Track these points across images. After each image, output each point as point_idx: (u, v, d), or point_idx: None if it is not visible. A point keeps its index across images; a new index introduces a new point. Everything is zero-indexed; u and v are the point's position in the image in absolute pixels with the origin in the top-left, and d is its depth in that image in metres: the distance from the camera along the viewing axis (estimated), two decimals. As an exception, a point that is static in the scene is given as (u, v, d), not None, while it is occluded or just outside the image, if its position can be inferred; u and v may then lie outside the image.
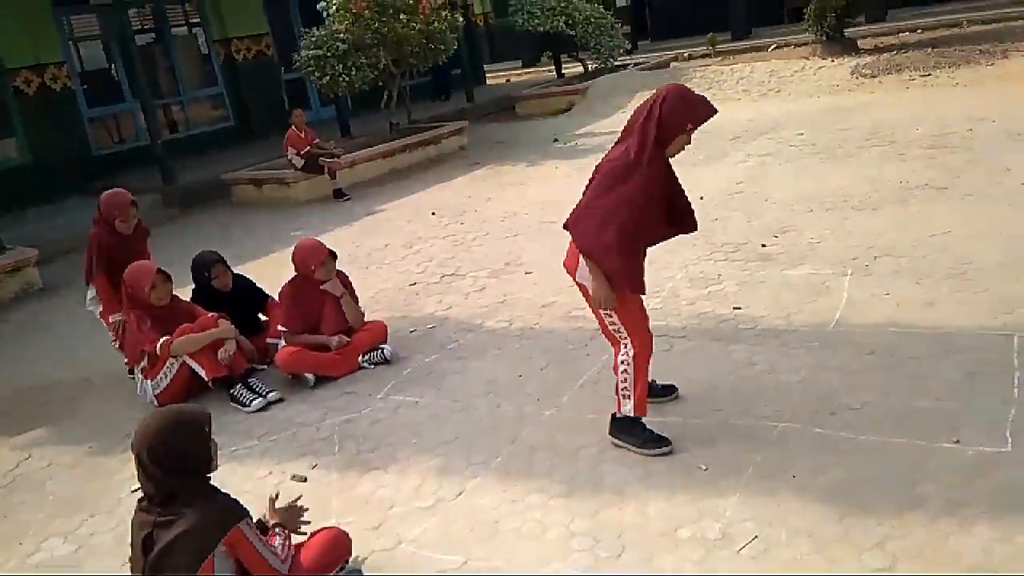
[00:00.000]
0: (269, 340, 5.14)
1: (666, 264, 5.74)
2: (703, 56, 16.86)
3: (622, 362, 3.48)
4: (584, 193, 3.43)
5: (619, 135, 3.41)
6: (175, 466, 2.53)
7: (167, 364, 4.67)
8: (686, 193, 3.55)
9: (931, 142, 7.80)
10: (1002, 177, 6.37)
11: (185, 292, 5.21)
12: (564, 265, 3.61)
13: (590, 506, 3.21)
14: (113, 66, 13.48)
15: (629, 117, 3.37)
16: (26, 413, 5.06)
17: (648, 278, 5.45)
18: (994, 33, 13.34)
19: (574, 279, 3.55)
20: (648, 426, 3.52)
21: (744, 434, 3.50)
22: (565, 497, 3.29)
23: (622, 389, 3.49)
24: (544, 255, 6.46)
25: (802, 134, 9.08)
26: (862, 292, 4.76)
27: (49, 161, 11.72)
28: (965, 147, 7.41)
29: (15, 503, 3.99)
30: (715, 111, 3.29)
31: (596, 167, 3.44)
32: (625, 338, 3.49)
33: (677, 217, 3.56)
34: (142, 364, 4.76)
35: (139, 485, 2.61)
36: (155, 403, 4.74)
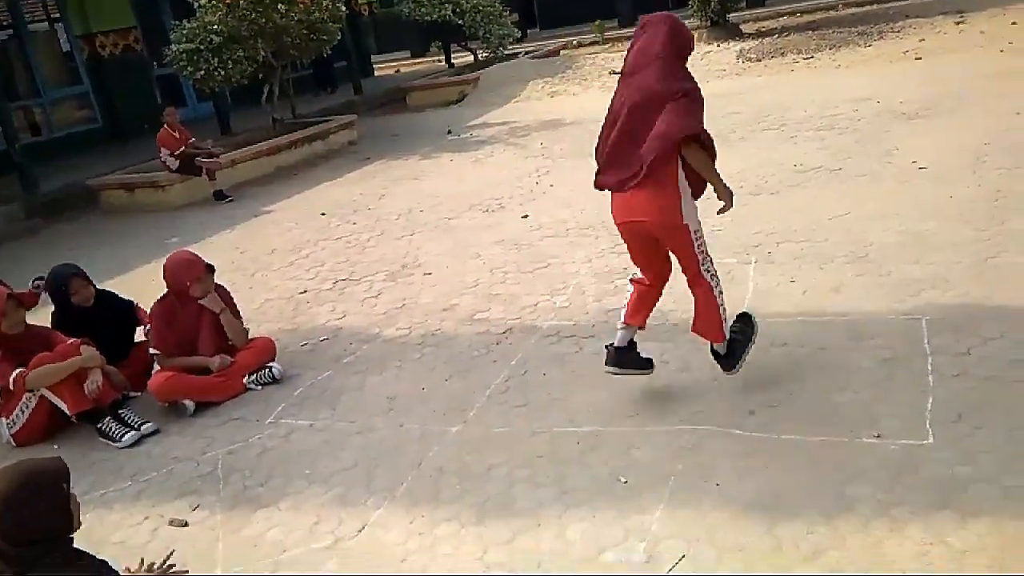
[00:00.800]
0: (153, 351, 4.61)
1: (570, 259, 5.55)
2: (592, 43, 16.87)
3: (719, 293, 3.49)
4: (623, 131, 3.31)
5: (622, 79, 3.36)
6: (28, 537, 2.14)
7: (23, 399, 4.14)
8: None
9: (820, 124, 7.89)
10: (891, 157, 6.47)
11: (46, 316, 4.67)
12: (629, 222, 3.42)
13: (504, 533, 2.95)
14: (-40, 65, 12.33)
15: (629, 57, 3.34)
16: None
17: (553, 275, 5.35)
18: (869, 16, 13.82)
19: (652, 231, 3.39)
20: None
21: (663, 441, 3.31)
22: (477, 525, 3.02)
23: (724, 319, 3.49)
24: (443, 254, 6.18)
25: (695, 119, 9.06)
26: (767, 280, 4.68)
27: None
28: (853, 128, 7.52)
29: None
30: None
31: (627, 108, 3.29)
32: (709, 267, 3.46)
33: None
34: (-6, 401, 4.21)
35: None
36: (12, 443, 4.22)
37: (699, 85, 3.34)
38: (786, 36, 13.27)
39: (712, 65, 12.39)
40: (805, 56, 11.77)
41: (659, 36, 3.28)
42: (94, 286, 4.67)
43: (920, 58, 10.33)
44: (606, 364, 3.61)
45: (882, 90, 8.76)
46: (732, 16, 14.57)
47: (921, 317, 3.90)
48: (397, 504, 3.25)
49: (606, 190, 3.53)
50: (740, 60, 12.36)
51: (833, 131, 7.53)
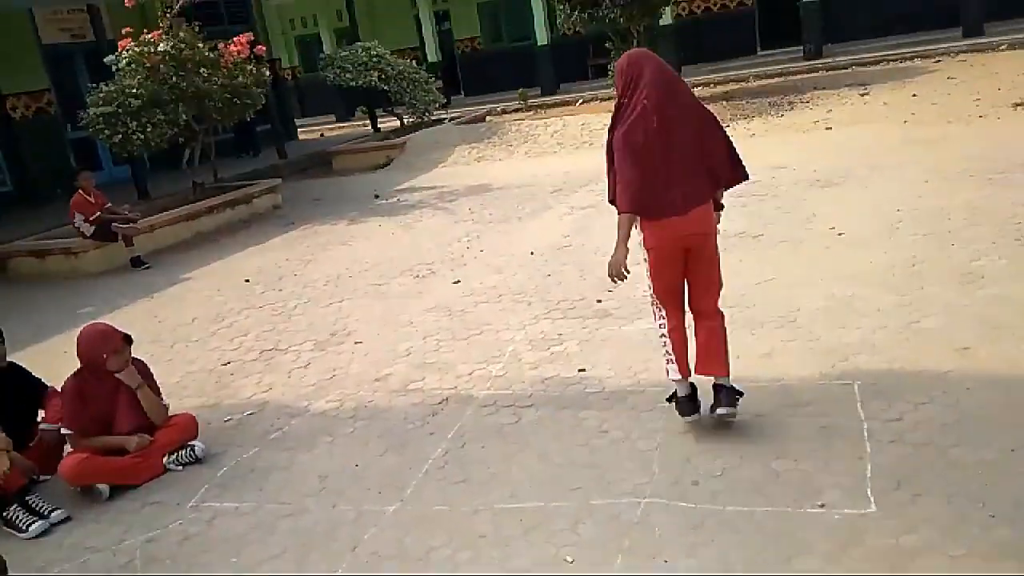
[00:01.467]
0: (43, 426, 4.33)
1: (504, 325, 5.51)
2: (516, 110, 17.18)
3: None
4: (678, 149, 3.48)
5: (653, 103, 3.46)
6: None
7: (-83, 488, 3.80)
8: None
9: (739, 190, 7.92)
10: (810, 223, 6.69)
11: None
12: (695, 234, 3.55)
13: (449, 622, 2.81)
14: None
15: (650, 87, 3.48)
16: None
17: (488, 342, 5.28)
18: (780, 87, 14.47)
19: (706, 244, 3.62)
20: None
21: (608, 514, 3.24)
22: (419, 614, 2.87)
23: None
24: (374, 321, 6.05)
25: (620, 185, 9.24)
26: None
27: None
28: (772, 195, 7.78)
29: None
30: None
31: (678, 128, 3.48)
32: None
33: None
34: None
35: None
36: (-99, 538, 3.84)
37: None
38: (702, 105, 13.78)
39: (634, 132, 12.73)
40: (722, 125, 12.21)
41: (663, 63, 3.58)
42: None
43: (830, 128, 10.84)
44: (689, 414, 3.72)
45: (796, 158, 9.12)
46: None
47: (853, 382, 3.97)
48: (332, 593, 3.07)
49: (657, 212, 3.53)
50: (660, 128, 12.75)
51: (753, 197, 7.76)
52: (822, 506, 3.08)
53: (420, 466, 3.88)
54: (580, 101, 16.83)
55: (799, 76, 15.53)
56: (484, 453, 3.90)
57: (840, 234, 6.27)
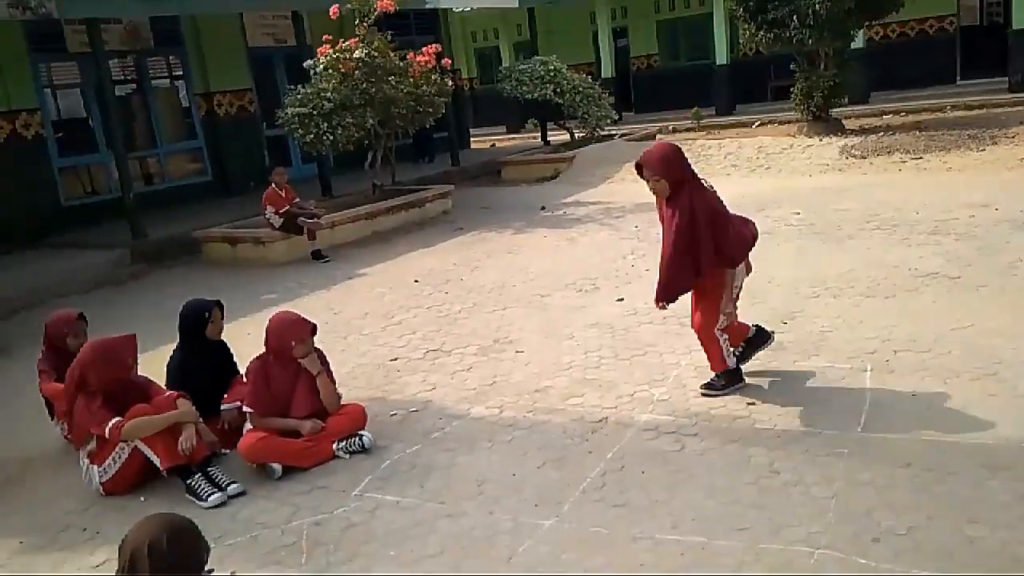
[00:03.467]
0: (224, 407, 4.63)
1: (668, 348, 5.37)
2: (688, 129, 16.87)
3: None
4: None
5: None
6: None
7: (117, 449, 4.14)
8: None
9: (934, 227, 7.56)
10: (1015, 269, 6.11)
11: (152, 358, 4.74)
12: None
13: (603, 648, 2.73)
14: (89, 115, 13.08)
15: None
16: (-47, 497, 4.48)
17: (651, 364, 5.16)
18: (980, 120, 13.41)
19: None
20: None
21: (777, 560, 3.06)
22: (573, 636, 2.81)
23: None
24: (536, 332, 6.07)
25: (798, 213, 8.85)
26: (886, 391, 4.38)
27: (15, 211, 11.21)
28: (970, 234, 7.18)
29: (-77, 615, 3.42)
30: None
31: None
32: None
33: None
34: (89, 447, 4.23)
35: None
36: (100, 491, 4.22)
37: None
38: (891, 135, 12.96)
39: (814, 159, 12.18)
40: (913, 156, 11.44)
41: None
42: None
43: (1039, 166, 9.91)
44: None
45: (1000, 197, 8.38)
46: (834, 111, 14.36)
47: (1065, 449, 3.56)
48: (486, 601, 3.07)
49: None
50: (843, 156, 12.11)
51: (949, 236, 7.20)
52: (1026, 583, 2.77)
53: (578, 484, 3.83)
54: (756, 124, 16.30)
55: (1003, 109, 14.34)
56: (644, 479, 3.79)
57: (1051, 283, 5.70)
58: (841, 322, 5.47)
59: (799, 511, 3.36)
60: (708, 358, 4.67)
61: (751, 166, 12.48)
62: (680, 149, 4.47)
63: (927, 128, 13.18)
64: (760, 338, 4.80)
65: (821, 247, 7.40)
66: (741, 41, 18.69)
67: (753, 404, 4.40)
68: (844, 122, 14.29)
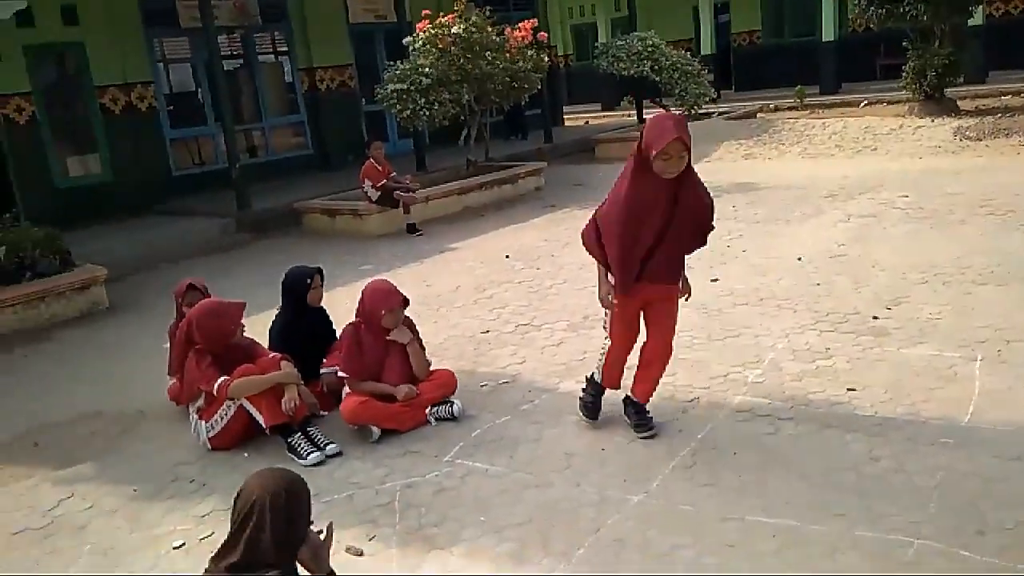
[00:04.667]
0: (323, 371, 4.79)
1: (764, 331, 5.25)
2: (790, 108, 16.33)
3: None
4: None
5: None
6: (282, 530, 2.24)
7: (224, 406, 4.35)
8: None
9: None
10: None
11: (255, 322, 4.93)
12: None
13: (690, 624, 2.73)
14: (199, 89, 13.63)
15: None
16: (74, 444, 4.80)
17: (746, 346, 5.06)
18: (1112, 100, 12.51)
19: None
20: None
21: (874, 549, 2.97)
22: (660, 610, 2.81)
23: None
24: (627, 311, 6.02)
25: (907, 196, 8.48)
26: (996, 383, 4.18)
27: (129, 179, 11.82)
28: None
29: (49, 550, 3.67)
30: (670, 137, 3.48)
31: None
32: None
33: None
34: (198, 403, 4.45)
35: (223, 544, 2.29)
36: (208, 446, 4.44)
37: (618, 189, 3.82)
38: (1010, 116, 12.22)
39: (925, 141, 11.62)
40: (1035, 138, 10.78)
41: None
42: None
43: None
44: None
45: None
46: (948, 91, 13.63)
47: None
48: (573, 571, 3.09)
49: None
50: (957, 137, 11.50)
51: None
52: None
53: (667, 461, 3.80)
54: (863, 103, 15.63)
55: None
56: (736, 460, 3.74)
57: None
58: (950, 310, 5.23)
59: (899, 500, 3.26)
60: (654, 384, 4.14)
61: (857, 147, 12.01)
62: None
63: (1051, 109, 12.39)
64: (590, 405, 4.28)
65: (930, 232, 7.08)
66: (850, 16, 17.88)
67: (853, 390, 4.27)
68: (958, 102, 13.56)
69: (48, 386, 5.83)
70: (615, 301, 3.91)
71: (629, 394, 4.19)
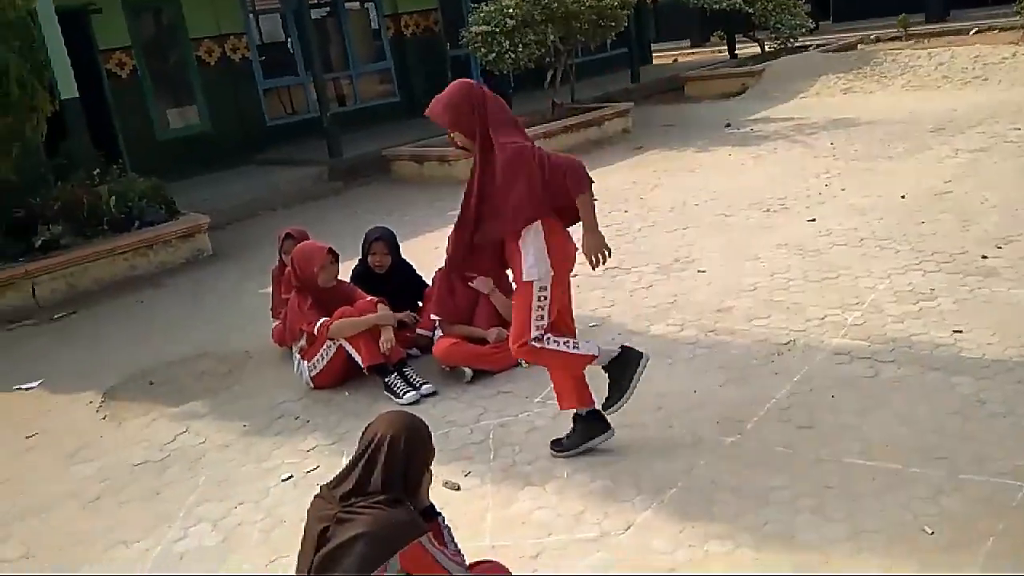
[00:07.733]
0: (420, 331, 4.91)
1: (865, 271, 5.09)
2: (892, 39, 15.47)
3: None
4: None
5: None
6: (397, 470, 2.32)
7: (324, 346, 4.52)
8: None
9: None
10: None
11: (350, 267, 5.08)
12: None
13: (784, 565, 2.72)
14: (289, 39, 13.83)
15: None
16: (187, 383, 5.08)
17: (844, 287, 4.92)
18: None
19: None
20: None
21: (979, 493, 2.90)
22: (754, 549, 2.81)
23: None
24: (719, 252, 5.94)
25: (1019, 128, 7.98)
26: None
27: (226, 130, 12.17)
28: None
29: (168, 481, 3.93)
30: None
31: None
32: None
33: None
34: (300, 344, 4.64)
35: (342, 471, 2.39)
36: (310, 385, 4.63)
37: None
38: None
39: (1040, 69, 10.87)
40: None
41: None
42: (394, 257, 5.01)
43: None
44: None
45: None
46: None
47: None
48: (664, 509, 3.12)
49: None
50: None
51: None
52: None
53: (762, 404, 3.77)
54: (974, 31, 14.67)
55: None
56: (834, 403, 3.68)
57: None
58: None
59: (1007, 443, 3.15)
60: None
61: (965, 77, 11.33)
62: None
63: None
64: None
65: (1046, 166, 6.67)
66: (961, -64, 16.72)
67: (959, 332, 4.11)
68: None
69: (161, 328, 6.16)
70: None
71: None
